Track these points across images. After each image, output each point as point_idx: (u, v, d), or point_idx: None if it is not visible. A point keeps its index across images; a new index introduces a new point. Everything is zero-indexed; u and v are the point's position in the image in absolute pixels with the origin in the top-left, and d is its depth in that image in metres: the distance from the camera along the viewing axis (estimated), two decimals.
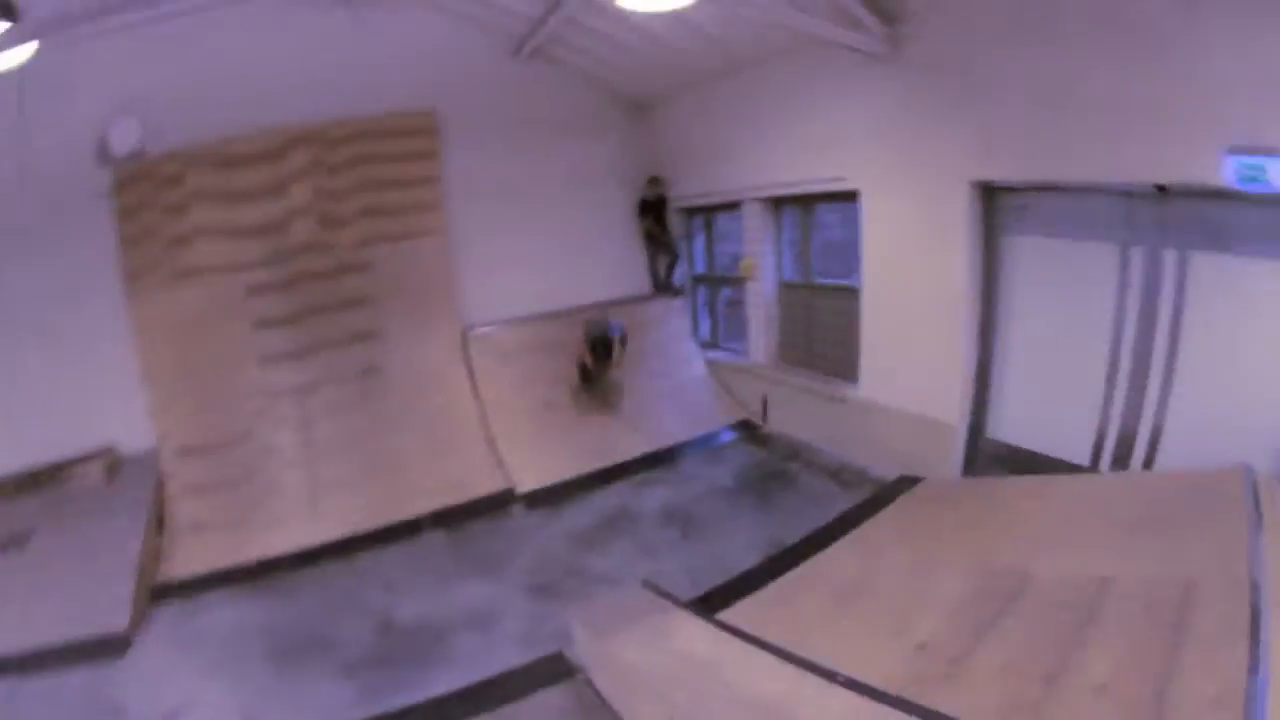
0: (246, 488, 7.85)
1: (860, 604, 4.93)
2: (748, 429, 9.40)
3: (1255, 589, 3.68)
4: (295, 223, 8.67)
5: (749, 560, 6.10)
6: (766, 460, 8.63)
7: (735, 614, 4.85)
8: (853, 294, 8.30)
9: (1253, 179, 5.45)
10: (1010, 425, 7.28)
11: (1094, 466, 6.66)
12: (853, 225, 8.18)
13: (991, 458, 7.31)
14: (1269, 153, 5.37)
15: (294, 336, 8.51)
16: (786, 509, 7.41)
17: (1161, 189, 6.07)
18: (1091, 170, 6.19)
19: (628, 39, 8.89)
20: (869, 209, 7.87)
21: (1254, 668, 3.21)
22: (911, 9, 6.96)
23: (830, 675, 3.62)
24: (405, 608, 6.23)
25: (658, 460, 8.52)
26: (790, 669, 3.79)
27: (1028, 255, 6.99)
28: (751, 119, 9.19)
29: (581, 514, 7.64)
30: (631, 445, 8.73)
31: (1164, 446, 6.43)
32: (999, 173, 6.78)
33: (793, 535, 6.34)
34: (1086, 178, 6.28)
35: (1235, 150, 5.48)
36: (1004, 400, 7.31)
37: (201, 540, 7.31)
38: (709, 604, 5.15)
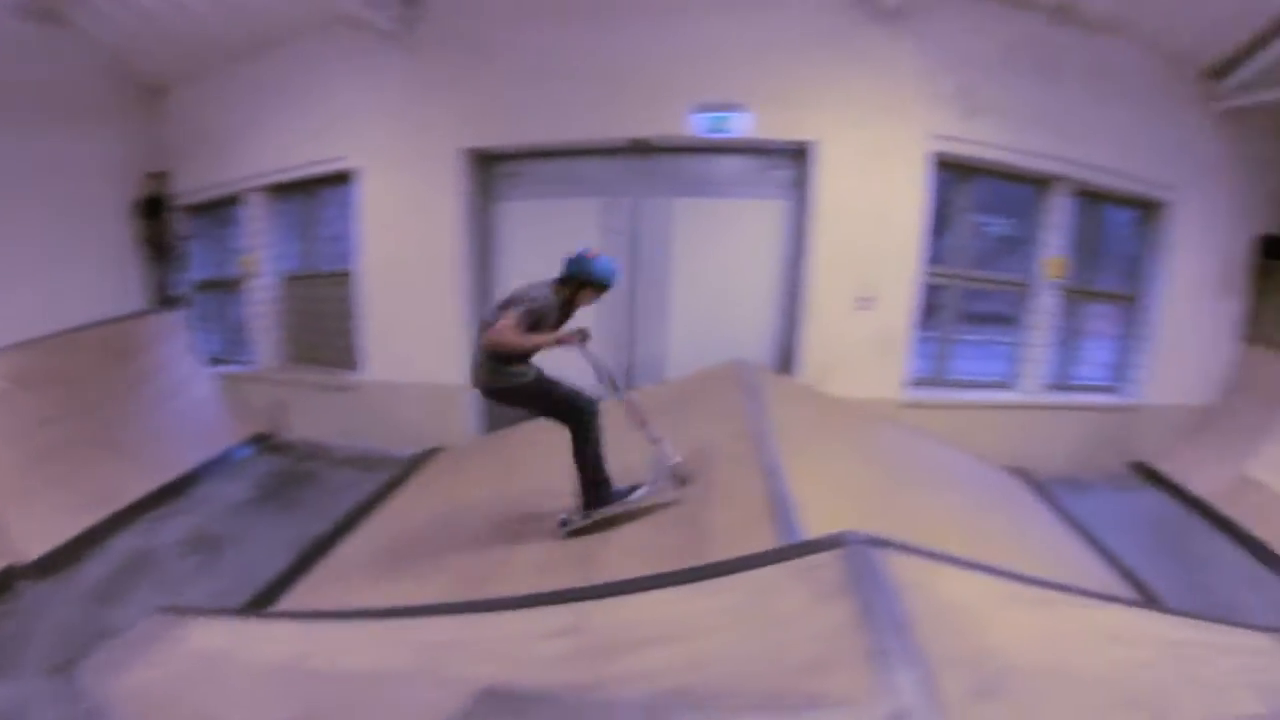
0: None
1: (400, 568, 4.54)
2: (263, 440, 8.43)
3: (757, 436, 4.04)
4: None
5: (280, 565, 5.44)
6: (286, 466, 7.82)
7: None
8: (353, 278, 7.83)
9: (717, 128, 6.62)
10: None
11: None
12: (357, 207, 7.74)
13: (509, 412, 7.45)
14: (730, 108, 6.56)
15: None
16: (312, 507, 6.75)
17: (641, 145, 6.87)
18: (579, 131, 6.80)
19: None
20: (368, 188, 7.53)
21: (771, 483, 3.45)
22: None
23: (346, 615, 3.24)
24: None
25: (173, 491, 7.30)
26: (306, 626, 3.35)
27: (522, 218, 7.32)
28: (258, 103, 8.27)
29: (97, 568, 6.22)
30: (140, 483, 7.34)
31: (667, 372, 7.21)
32: (492, 140, 7.01)
33: (321, 528, 5.82)
34: (574, 138, 6.85)
35: (703, 106, 6.58)
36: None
37: None
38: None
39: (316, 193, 8.14)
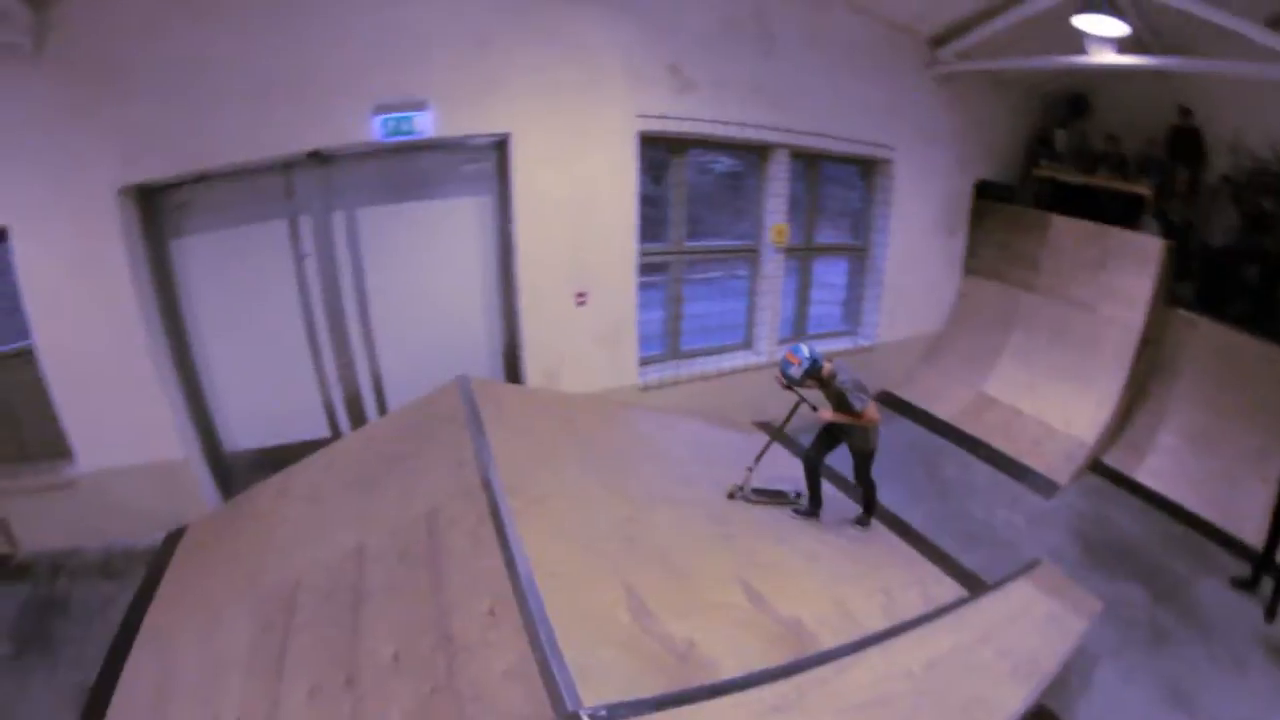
0: None
1: (171, 716, 3.97)
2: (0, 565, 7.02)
3: (488, 486, 3.83)
4: None
5: None
6: (32, 595, 6.57)
7: None
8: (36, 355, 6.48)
9: (398, 131, 6.02)
10: (247, 430, 6.82)
11: (336, 436, 6.70)
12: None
13: (246, 471, 6.73)
14: (414, 107, 6.00)
15: None
16: (75, 645, 5.85)
17: (318, 156, 6.15)
18: (247, 149, 5.91)
19: None
20: (23, 248, 6.02)
21: (510, 562, 3.29)
22: None
23: None
24: None
25: None
26: None
27: (202, 253, 6.39)
28: None
29: None
30: None
31: (390, 391, 6.82)
32: (151, 172, 5.92)
33: (93, 666, 4.95)
34: (243, 157, 5.95)
35: (381, 109, 5.94)
36: (230, 409, 6.76)
37: None
38: None
39: None
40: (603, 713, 2.44)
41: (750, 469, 5.83)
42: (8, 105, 5.79)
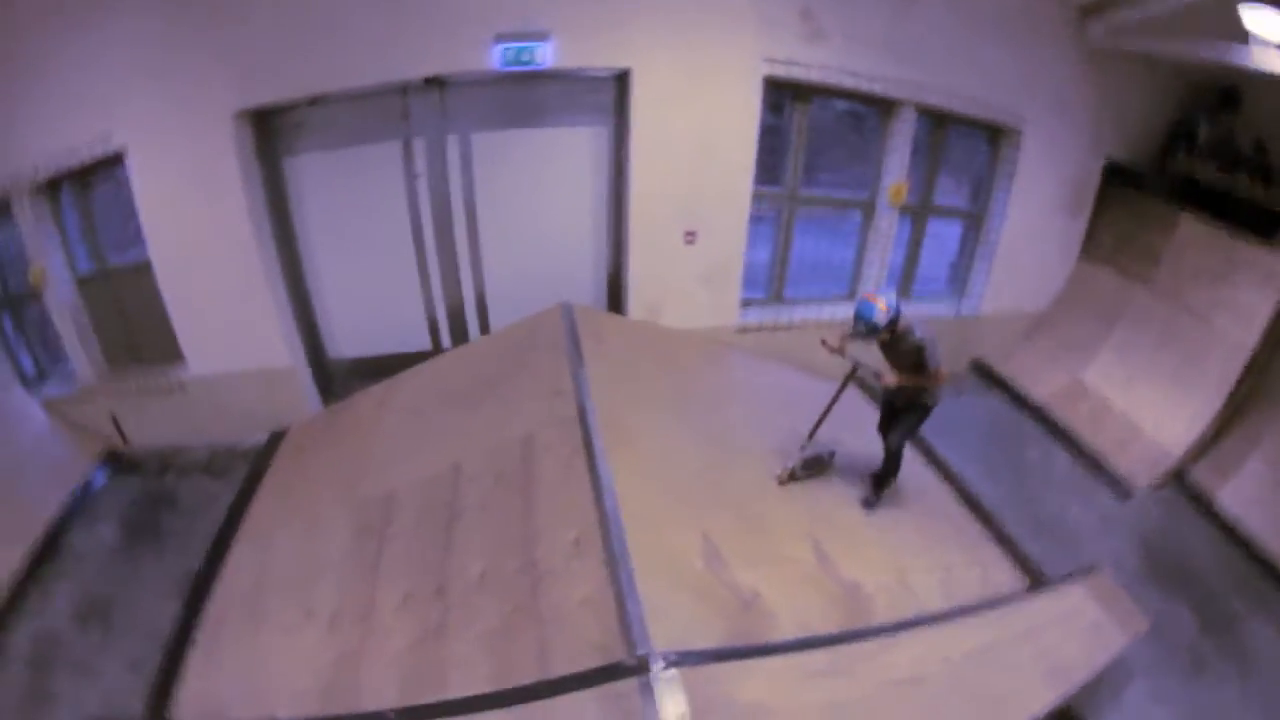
0: None
1: (269, 607, 4.32)
2: (112, 458, 7.56)
3: (583, 419, 4.01)
4: None
5: (165, 618, 4.91)
6: (143, 489, 7.10)
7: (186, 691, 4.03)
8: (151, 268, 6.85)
9: (518, 61, 6.07)
10: (350, 340, 7.27)
11: (437, 350, 7.07)
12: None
13: (346, 378, 7.22)
14: (535, 37, 6.01)
15: None
16: (181, 537, 6.31)
17: (435, 81, 6.33)
18: (364, 74, 6.10)
19: None
20: (141, 168, 6.37)
21: (599, 497, 3.46)
22: None
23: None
24: None
25: (48, 551, 6.20)
26: None
27: (315, 171, 6.70)
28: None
29: (12, 665, 5.43)
30: (13, 554, 6.16)
31: (493, 310, 7.11)
32: (265, 96, 6.17)
33: (197, 557, 5.32)
34: (360, 82, 6.16)
35: (502, 37, 5.98)
36: (334, 319, 7.19)
37: None
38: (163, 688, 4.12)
39: (89, 180, 6.94)
40: (673, 657, 2.59)
41: (803, 447, 5.17)
42: (126, 31, 6.02)
